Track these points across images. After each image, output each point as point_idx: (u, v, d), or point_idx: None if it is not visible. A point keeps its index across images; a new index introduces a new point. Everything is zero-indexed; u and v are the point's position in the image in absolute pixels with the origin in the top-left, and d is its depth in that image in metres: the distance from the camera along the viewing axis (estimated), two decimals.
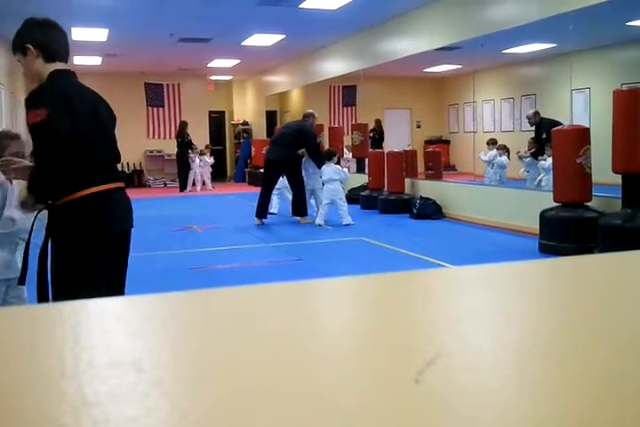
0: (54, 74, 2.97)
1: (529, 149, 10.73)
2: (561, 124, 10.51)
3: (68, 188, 2.85)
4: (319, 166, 9.66)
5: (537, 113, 10.87)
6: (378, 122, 14.97)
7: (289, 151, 9.51)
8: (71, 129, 2.79)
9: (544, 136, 10.16)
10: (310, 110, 10.32)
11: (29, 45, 2.98)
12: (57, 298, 2.90)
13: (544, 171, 9.94)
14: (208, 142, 18.41)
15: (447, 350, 0.59)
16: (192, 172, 16.73)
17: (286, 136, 9.69)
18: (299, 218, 9.80)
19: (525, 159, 10.72)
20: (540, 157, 10.23)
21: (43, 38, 3.03)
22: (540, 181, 9.73)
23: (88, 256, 2.92)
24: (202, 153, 16.97)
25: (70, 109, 2.83)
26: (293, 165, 9.66)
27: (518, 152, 10.92)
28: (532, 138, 10.91)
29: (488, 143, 11.57)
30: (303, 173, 9.92)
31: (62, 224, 2.90)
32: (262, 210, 9.70)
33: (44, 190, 2.90)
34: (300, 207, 9.74)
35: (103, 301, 0.78)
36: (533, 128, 10.95)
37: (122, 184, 3.08)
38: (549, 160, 10.04)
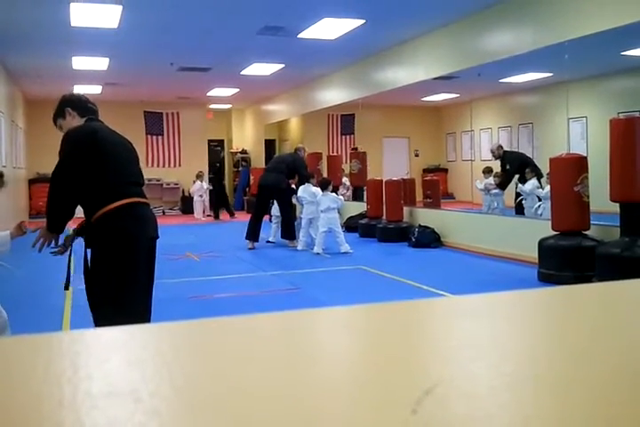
0: (87, 120, 3.70)
1: (497, 182, 10.94)
2: (526, 156, 11.06)
3: (100, 204, 3.41)
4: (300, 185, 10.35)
5: (500, 146, 11.40)
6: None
7: (281, 178, 10.20)
8: (73, 175, 3.40)
9: (508, 167, 10.60)
10: (301, 145, 11.44)
11: (68, 108, 3.70)
12: (100, 299, 3.44)
13: (495, 198, 10.29)
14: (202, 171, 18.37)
15: (445, 380, 0.59)
16: (201, 199, 16.90)
17: (280, 165, 10.41)
18: (288, 241, 10.40)
19: (492, 191, 10.85)
20: (502, 189, 10.80)
21: (74, 102, 3.77)
22: (538, 208, 9.75)
23: (127, 256, 3.45)
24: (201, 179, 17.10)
25: (92, 146, 3.45)
26: (284, 191, 10.30)
27: (487, 187, 11.06)
28: (486, 167, 11.26)
29: (484, 172, 11.63)
30: (301, 202, 10.23)
31: (99, 233, 3.43)
32: (253, 233, 10.22)
33: (60, 220, 3.44)
34: (288, 231, 10.36)
35: (102, 330, 0.78)
36: (531, 157, 11.11)
37: (145, 200, 3.64)
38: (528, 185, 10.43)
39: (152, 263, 3.66)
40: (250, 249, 10.07)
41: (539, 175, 10.19)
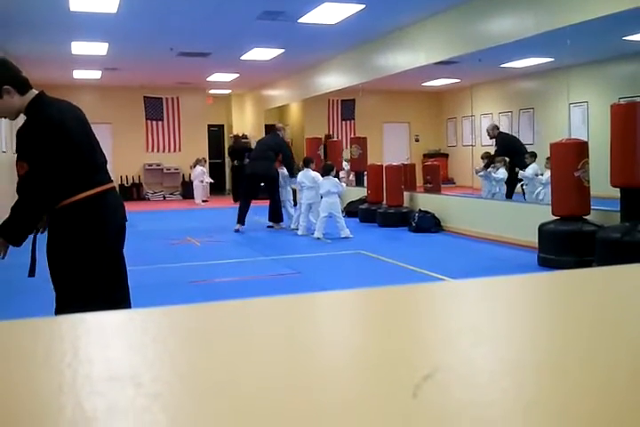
0: (33, 104, 3.14)
1: (485, 163, 11.08)
2: (517, 141, 11.16)
3: (65, 193, 3.10)
4: (291, 175, 10.66)
5: (495, 127, 11.55)
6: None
7: (269, 165, 10.48)
8: (51, 175, 3.03)
9: (496, 149, 10.75)
10: (280, 124, 11.65)
11: (7, 86, 3.09)
12: (62, 295, 3.18)
13: (498, 184, 10.33)
14: (205, 156, 18.38)
15: (445, 364, 0.59)
16: (202, 184, 17.00)
17: (266, 152, 10.56)
18: (273, 224, 10.79)
19: (494, 176, 10.89)
20: (490, 169, 10.85)
21: (11, 75, 3.15)
22: (539, 194, 9.75)
23: (92, 251, 3.19)
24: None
25: (56, 142, 3.03)
26: (273, 177, 10.55)
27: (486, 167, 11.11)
28: (485, 152, 11.33)
29: (482, 157, 11.60)
30: (299, 188, 10.34)
31: (64, 224, 3.14)
32: (241, 217, 10.48)
33: (22, 232, 3.09)
34: (276, 214, 10.73)
35: (102, 314, 0.78)
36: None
37: (112, 185, 3.35)
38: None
39: (122, 251, 3.44)
40: (236, 231, 10.36)
41: (515, 164, 10.36)
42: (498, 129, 11.42)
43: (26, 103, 3.14)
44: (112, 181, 3.38)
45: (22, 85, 3.14)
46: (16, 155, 3.06)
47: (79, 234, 3.16)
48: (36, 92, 3.19)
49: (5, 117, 3.26)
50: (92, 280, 3.21)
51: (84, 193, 3.13)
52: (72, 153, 3.09)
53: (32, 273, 3.27)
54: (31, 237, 3.21)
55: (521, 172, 10.38)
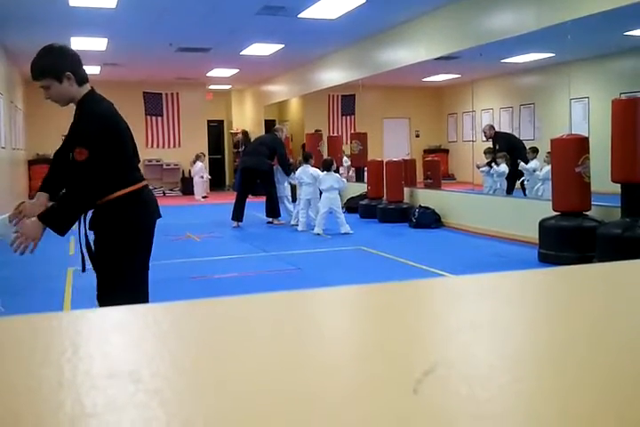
0: (87, 97, 3.28)
1: (489, 159, 11.09)
2: (516, 138, 11.22)
3: (108, 189, 3.23)
4: (287, 174, 10.74)
5: (491, 127, 11.70)
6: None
7: (263, 160, 10.56)
8: (108, 164, 3.17)
9: (497, 147, 10.77)
10: (279, 125, 12.02)
11: (69, 73, 3.20)
12: (104, 282, 3.33)
13: (499, 179, 10.36)
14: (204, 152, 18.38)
15: (445, 360, 0.59)
16: (202, 180, 17.03)
17: (261, 147, 10.69)
18: (272, 219, 10.84)
19: (495, 169, 10.90)
20: (493, 165, 10.90)
21: (76, 65, 3.28)
22: (537, 190, 9.76)
23: (131, 242, 3.35)
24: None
25: (112, 137, 3.20)
26: (267, 172, 10.65)
27: (490, 163, 11.14)
28: (488, 148, 11.29)
29: (485, 152, 11.61)
30: (298, 183, 10.40)
31: (106, 219, 3.28)
32: (238, 213, 10.56)
33: (72, 217, 3.19)
34: (272, 209, 10.81)
35: (102, 310, 0.78)
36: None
37: (146, 183, 3.49)
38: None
39: (152, 245, 3.56)
40: (235, 227, 10.43)
41: (518, 159, 10.38)
42: (494, 129, 11.51)
43: (80, 95, 3.25)
44: (145, 179, 3.51)
45: (81, 77, 3.26)
46: (72, 143, 3.17)
47: (121, 229, 3.31)
48: (90, 87, 3.31)
49: (56, 102, 3.32)
50: (131, 271, 3.36)
51: (126, 189, 3.27)
52: (120, 150, 3.25)
53: (84, 269, 3.38)
54: (76, 231, 3.34)
55: (522, 164, 10.38)
